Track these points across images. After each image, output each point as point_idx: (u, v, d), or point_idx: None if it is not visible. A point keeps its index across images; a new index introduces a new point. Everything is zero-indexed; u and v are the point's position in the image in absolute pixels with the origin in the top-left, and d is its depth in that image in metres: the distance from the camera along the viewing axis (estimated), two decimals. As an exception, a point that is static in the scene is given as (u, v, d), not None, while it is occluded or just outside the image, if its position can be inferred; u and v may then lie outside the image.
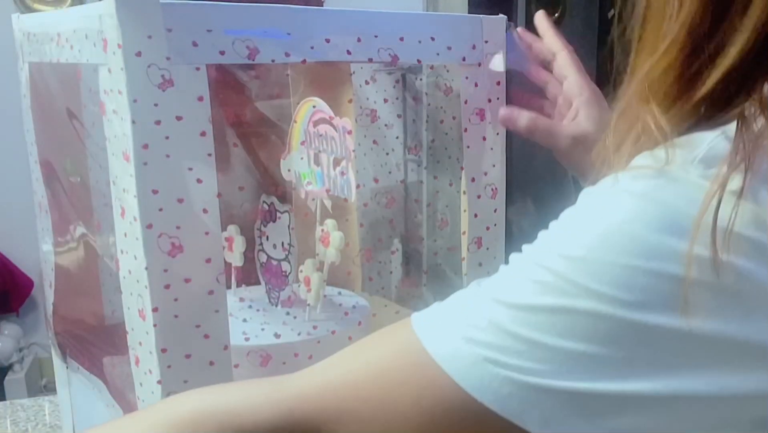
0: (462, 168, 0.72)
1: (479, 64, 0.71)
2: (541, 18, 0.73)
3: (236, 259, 0.87)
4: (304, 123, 0.79)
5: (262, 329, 0.79)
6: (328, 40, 0.62)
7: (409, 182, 1.01)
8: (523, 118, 0.71)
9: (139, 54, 0.54)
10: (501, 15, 0.72)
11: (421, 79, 0.89)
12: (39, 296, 2.56)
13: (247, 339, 0.75)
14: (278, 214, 0.82)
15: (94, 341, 0.84)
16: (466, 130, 0.72)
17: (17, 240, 2.40)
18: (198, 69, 0.56)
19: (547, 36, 0.72)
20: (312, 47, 0.62)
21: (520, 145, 0.75)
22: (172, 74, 0.55)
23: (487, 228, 0.74)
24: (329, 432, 0.44)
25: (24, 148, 0.83)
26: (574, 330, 0.37)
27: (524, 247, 0.42)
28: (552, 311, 0.38)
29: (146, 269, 0.56)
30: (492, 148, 0.73)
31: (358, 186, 0.90)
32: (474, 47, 0.70)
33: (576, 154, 0.69)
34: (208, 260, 0.58)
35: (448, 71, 0.82)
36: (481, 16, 0.71)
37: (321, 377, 0.46)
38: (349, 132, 0.74)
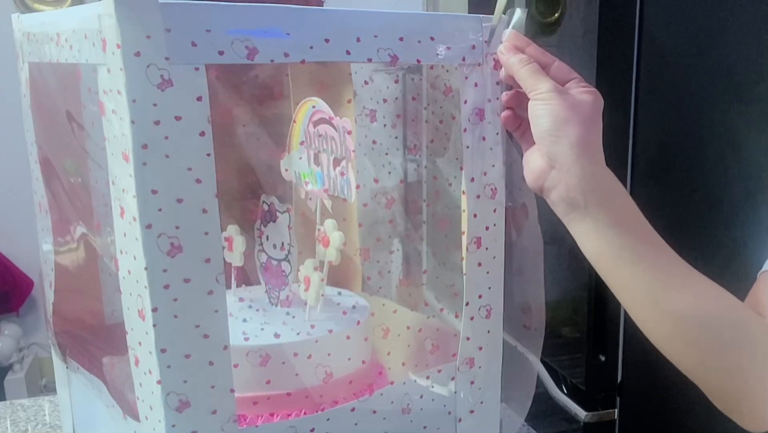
0: (461, 168, 0.72)
1: (479, 64, 0.71)
2: (517, 38, 0.70)
3: (236, 259, 0.87)
4: (303, 123, 0.79)
5: (262, 329, 0.79)
6: (327, 40, 0.62)
7: (409, 182, 1.01)
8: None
9: (138, 54, 0.54)
10: (501, 15, 0.72)
11: (420, 79, 0.89)
12: (39, 296, 2.56)
13: (246, 339, 0.75)
14: (278, 214, 0.82)
15: (94, 341, 0.84)
16: (465, 130, 0.72)
17: (17, 240, 2.41)
18: (197, 69, 0.56)
19: (530, 53, 0.70)
20: (311, 47, 0.62)
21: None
22: (171, 74, 0.55)
23: (487, 228, 0.74)
24: None
25: (24, 148, 0.83)
26: None
27: None
28: None
29: (145, 269, 0.56)
30: (491, 148, 0.73)
31: (357, 186, 0.90)
32: (474, 47, 0.70)
33: (552, 105, 0.66)
34: (208, 260, 0.58)
35: (447, 71, 0.82)
36: (481, 16, 0.71)
37: None
38: (349, 132, 0.74)
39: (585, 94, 0.67)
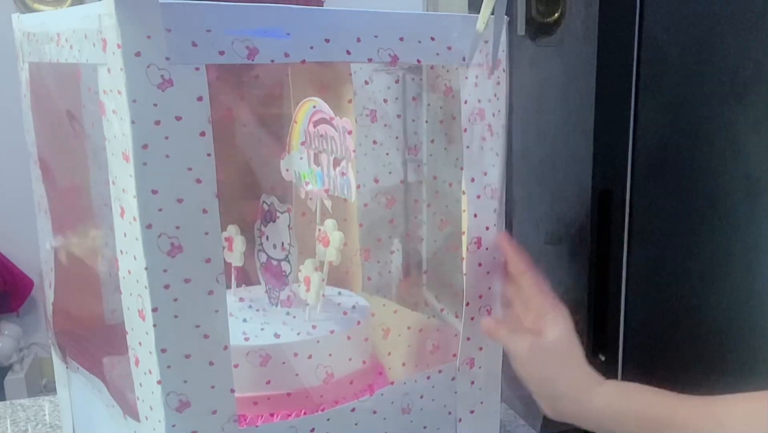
0: (462, 168, 0.72)
1: (479, 65, 0.71)
2: (503, 240, 0.74)
3: (236, 259, 0.87)
4: (304, 123, 0.79)
5: (262, 329, 0.79)
6: (327, 40, 0.62)
7: (409, 182, 1.01)
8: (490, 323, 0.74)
9: (138, 54, 0.54)
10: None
11: (421, 79, 0.89)
12: (39, 296, 2.56)
13: (246, 339, 0.75)
14: (278, 214, 0.82)
15: (94, 341, 0.84)
16: (465, 130, 0.71)
17: (17, 240, 2.40)
18: (197, 69, 0.56)
19: (510, 256, 0.74)
20: (312, 47, 0.62)
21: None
22: (172, 74, 0.55)
23: (487, 228, 0.74)
24: None
25: (24, 148, 0.83)
26: None
27: None
28: None
29: (146, 269, 0.56)
30: (492, 149, 0.73)
31: (358, 186, 0.90)
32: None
33: (532, 366, 0.70)
34: (208, 260, 0.58)
35: (447, 71, 0.82)
36: (481, 16, 0.71)
37: None
38: (349, 132, 0.74)
39: (555, 329, 0.70)
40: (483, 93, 0.72)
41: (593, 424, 0.69)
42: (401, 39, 0.66)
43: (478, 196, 0.73)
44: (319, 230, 0.80)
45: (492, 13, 0.70)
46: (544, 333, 0.70)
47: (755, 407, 0.64)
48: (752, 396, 0.65)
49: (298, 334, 0.77)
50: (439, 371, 0.75)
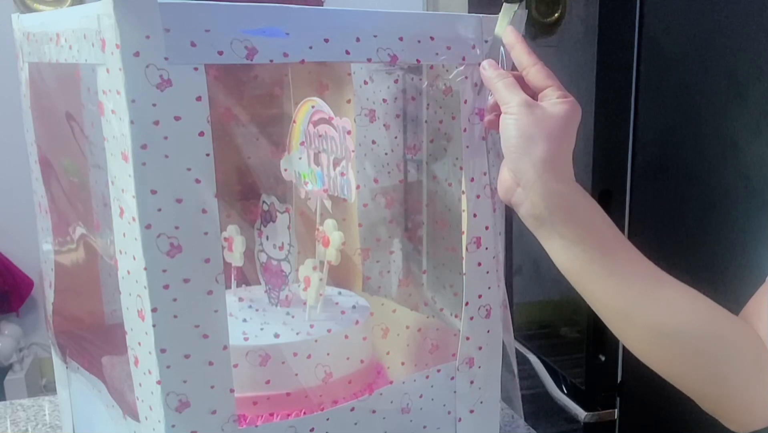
0: (461, 168, 0.72)
1: (479, 64, 0.71)
2: (509, 33, 0.70)
3: (236, 259, 0.87)
4: (303, 123, 0.79)
5: (262, 329, 0.79)
6: (326, 40, 0.62)
7: (409, 182, 1.01)
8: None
9: (137, 54, 0.54)
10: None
11: (420, 79, 0.89)
12: (39, 296, 2.56)
13: (246, 339, 0.75)
14: (278, 214, 0.82)
15: (94, 341, 0.84)
16: (465, 130, 0.72)
17: (17, 240, 2.41)
18: (196, 69, 0.56)
19: (515, 51, 0.69)
20: (311, 47, 0.62)
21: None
22: (171, 74, 0.55)
23: (486, 228, 0.74)
24: None
25: (24, 148, 0.83)
26: None
27: None
28: None
29: (145, 269, 0.56)
30: (491, 148, 0.73)
31: (357, 186, 0.90)
32: (474, 47, 0.70)
33: (519, 121, 0.65)
34: (207, 260, 0.58)
35: (447, 71, 0.82)
36: (481, 15, 0.71)
37: None
38: (349, 132, 0.74)
39: (557, 106, 0.66)
40: (483, 93, 0.72)
41: (537, 205, 0.65)
42: (401, 39, 0.66)
43: (478, 196, 0.73)
44: (319, 229, 0.80)
45: (510, 23, 0.70)
46: (545, 105, 0.66)
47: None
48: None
49: (298, 334, 0.77)
50: (438, 371, 0.75)
